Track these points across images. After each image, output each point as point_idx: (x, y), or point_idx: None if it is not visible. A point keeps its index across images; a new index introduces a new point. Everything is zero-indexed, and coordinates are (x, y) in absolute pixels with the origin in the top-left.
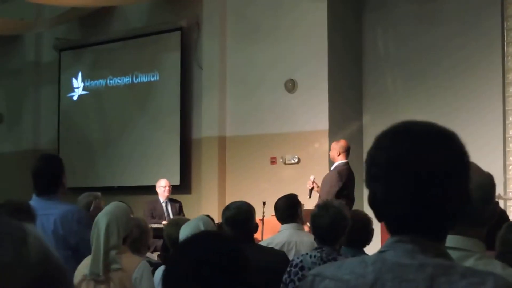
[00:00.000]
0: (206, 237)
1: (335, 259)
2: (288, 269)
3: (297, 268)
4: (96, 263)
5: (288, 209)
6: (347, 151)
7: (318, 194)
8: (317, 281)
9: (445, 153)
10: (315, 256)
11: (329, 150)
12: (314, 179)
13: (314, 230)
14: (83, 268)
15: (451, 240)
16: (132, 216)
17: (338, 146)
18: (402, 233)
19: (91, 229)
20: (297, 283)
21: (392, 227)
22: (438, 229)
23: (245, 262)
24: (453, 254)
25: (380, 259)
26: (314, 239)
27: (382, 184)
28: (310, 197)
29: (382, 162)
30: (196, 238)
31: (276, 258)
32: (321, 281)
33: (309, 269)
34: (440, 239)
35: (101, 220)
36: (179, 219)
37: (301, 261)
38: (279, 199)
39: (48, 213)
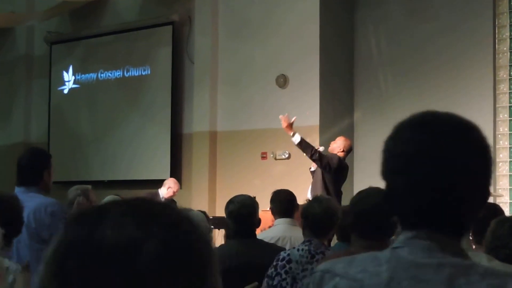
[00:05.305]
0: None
1: (323, 253)
2: (275, 263)
3: (284, 262)
4: None
5: (286, 202)
6: (347, 153)
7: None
8: (326, 278)
9: (469, 147)
10: (302, 250)
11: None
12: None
13: (305, 221)
14: None
15: None
16: None
17: (345, 143)
18: (418, 228)
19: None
20: (283, 276)
21: (408, 221)
22: (456, 226)
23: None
24: None
25: (394, 256)
26: (303, 232)
27: (403, 176)
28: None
29: (403, 154)
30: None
31: (276, 254)
32: (331, 278)
33: (297, 262)
34: (457, 237)
35: None
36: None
37: (288, 254)
38: (276, 192)
39: (24, 206)
